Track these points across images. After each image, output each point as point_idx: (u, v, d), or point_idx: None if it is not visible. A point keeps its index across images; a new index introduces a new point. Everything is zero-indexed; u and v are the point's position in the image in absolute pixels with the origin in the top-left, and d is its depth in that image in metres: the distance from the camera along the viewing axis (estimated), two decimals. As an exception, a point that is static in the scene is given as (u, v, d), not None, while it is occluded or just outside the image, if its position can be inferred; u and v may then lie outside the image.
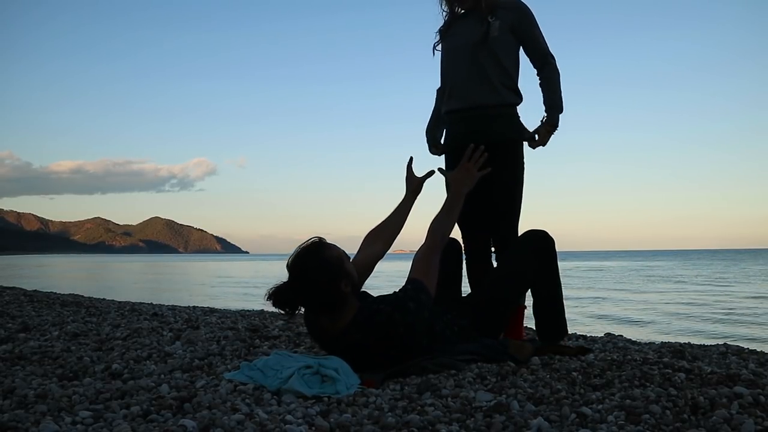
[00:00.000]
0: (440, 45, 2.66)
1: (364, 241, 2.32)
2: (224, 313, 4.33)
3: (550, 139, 2.49)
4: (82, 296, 6.12)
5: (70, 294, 6.25)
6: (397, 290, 2.06)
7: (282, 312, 1.93)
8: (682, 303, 11.61)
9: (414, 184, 2.41)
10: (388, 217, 2.37)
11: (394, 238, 2.35)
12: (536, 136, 2.51)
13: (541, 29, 2.51)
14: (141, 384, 1.76)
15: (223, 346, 2.44)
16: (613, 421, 1.38)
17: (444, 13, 2.64)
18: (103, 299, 5.79)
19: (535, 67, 2.55)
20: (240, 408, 1.50)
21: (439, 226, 2.19)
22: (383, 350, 1.91)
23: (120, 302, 5.22)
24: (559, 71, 2.51)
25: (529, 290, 2.35)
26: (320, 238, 1.98)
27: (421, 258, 2.11)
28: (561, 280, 2.35)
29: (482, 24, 2.46)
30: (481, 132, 2.45)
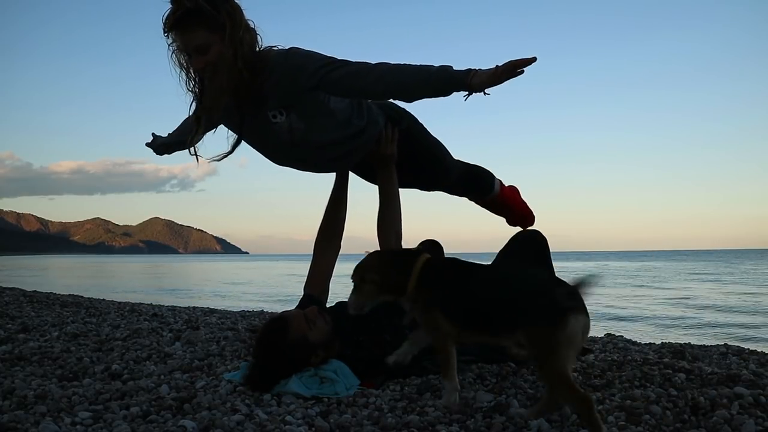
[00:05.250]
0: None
1: (318, 247, 2.24)
2: (224, 314, 4.33)
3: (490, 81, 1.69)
4: (82, 297, 6.11)
5: (69, 294, 6.25)
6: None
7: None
8: (683, 303, 11.61)
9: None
10: (330, 212, 2.28)
11: (343, 229, 2.30)
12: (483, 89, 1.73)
13: (316, 54, 1.85)
14: (141, 385, 1.76)
15: (223, 346, 2.44)
16: (614, 422, 1.38)
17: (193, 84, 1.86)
18: (103, 300, 5.79)
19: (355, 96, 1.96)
20: (240, 409, 1.50)
21: (385, 225, 2.10)
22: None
23: (120, 303, 5.21)
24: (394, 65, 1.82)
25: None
26: (280, 318, 1.85)
27: None
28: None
29: (267, 124, 1.91)
30: (364, 162, 2.22)
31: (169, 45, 1.80)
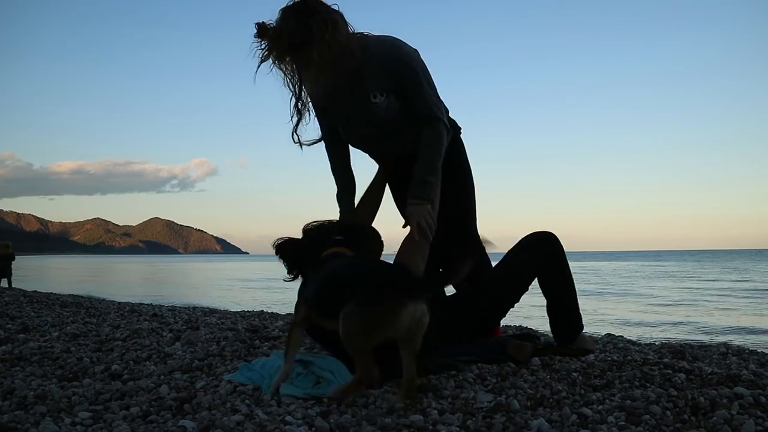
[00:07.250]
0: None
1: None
2: (224, 314, 4.34)
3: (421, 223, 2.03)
4: (82, 297, 6.12)
5: (69, 294, 6.26)
6: None
7: (286, 268, 2.01)
8: (683, 303, 11.61)
9: None
10: (364, 204, 2.28)
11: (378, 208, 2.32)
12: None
13: (428, 76, 2.07)
14: (141, 385, 1.76)
15: (223, 347, 2.44)
16: (614, 422, 1.38)
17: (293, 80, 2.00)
18: (103, 300, 5.80)
19: (414, 122, 2.13)
20: (240, 409, 1.50)
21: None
22: None
23: (120, 303, 5.22)
24: (444, 134, 2.11)
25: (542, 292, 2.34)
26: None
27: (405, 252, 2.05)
28: (574, 281, 2.32)
29: (364, 102, 2.05)
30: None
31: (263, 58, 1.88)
